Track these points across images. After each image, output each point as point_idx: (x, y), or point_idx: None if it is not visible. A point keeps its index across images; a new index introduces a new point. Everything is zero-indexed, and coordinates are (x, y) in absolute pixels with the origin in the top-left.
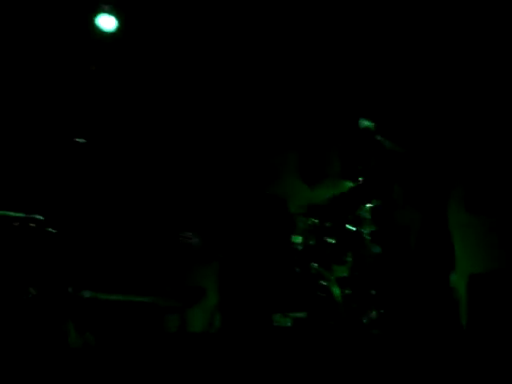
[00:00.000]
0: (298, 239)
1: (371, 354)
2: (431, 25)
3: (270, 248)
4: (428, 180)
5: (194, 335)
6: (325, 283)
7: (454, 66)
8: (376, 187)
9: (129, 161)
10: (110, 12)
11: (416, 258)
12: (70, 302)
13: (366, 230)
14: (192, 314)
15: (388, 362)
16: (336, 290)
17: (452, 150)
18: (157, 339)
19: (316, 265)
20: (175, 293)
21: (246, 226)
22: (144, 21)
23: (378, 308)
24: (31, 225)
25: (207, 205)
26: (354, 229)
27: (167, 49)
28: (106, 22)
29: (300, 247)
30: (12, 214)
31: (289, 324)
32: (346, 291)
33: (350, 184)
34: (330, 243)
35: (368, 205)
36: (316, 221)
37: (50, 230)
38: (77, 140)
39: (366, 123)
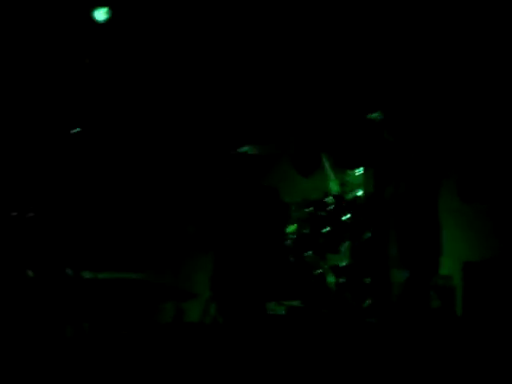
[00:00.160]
0: (292, 228)
1: (365, 343)
2: (424, 20)
3: (263, 237)
4: (420, 169)
5: (190, 325)
6: (319, 272)
7: (444, 56)
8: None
9: (123, 150)
10: (103, 4)
11: (403, 245)
12: (68, 285)
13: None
14: (187, 304)
15: (383, 351)
16: (330, 279)
17: (443, 139)
18: (152, 329)
19: (310, 253)
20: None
21: (240, 215)
22: (138, 12)
23: (372, 296)
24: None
25: (202, 195)
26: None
27: (162, 41)
28: (100, 14)
29: (294, 236)
30: None
31: (283, 312)
32: (340, 280)
33: (345, 175)
34: (324, 232)
35: (359, 192)
36: (310, 209)
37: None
38: (71, 132)
39: (373, 115)
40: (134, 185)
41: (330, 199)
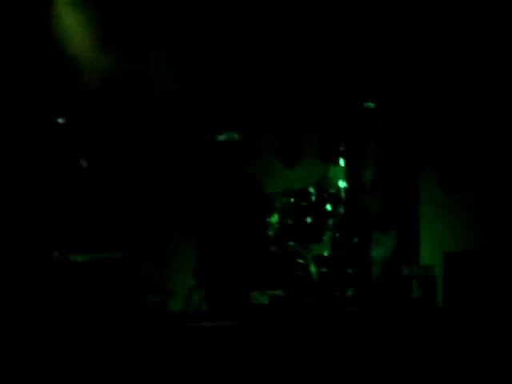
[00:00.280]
0: (275, 218)
1: (347, 332)
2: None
3: (245, 226)
4: (401, 157)
5: (174, 314)
6: (302, 261)
7: (432, 46)
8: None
9: (109, 133)
10: None
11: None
12: (55, 267)
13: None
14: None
15: (364, 340)
16: (312, 269)
17: (426, 127)
18: (137, 318)
19: (293, 243)
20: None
21: (222, 205)
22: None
23: (353, 286)
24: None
25: (186, 184)
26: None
27: (153, 25)
28: None
29: (277, 226)
30: None
31: (266, 301)
32: (323, 269)
33: (329, 164)
34: (307, 222)
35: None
36: (292, 199)
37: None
38: (58, 120)
39: (368, 104)
40: (119, 170)
41: (312, 189)
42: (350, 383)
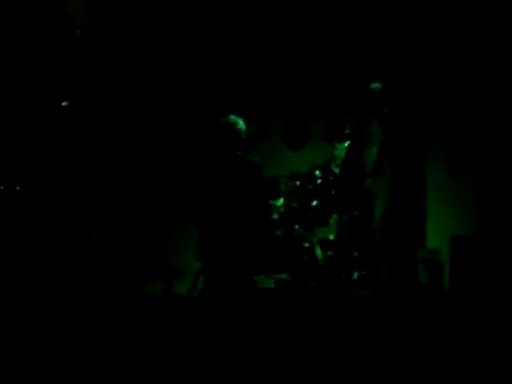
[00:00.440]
0: (280, 201)
1: (353, 315)
2: None
3: (245, 212)
4: (406, 140)
5: (178, 298)
6: (307, 245)
7: (438, 31)
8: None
9: (112, 122)
10: None
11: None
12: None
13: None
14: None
15: (371, 323)
16: (318, 252)
17: (432, 111)
18: (142, 302)
19: (298, 227)
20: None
21: (221, 189)
22: None
23: (360, 269)
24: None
25: (186, 168)
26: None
27: (152, 14)
28: None
29: (282, 209)
30: None
31: (272, 285)
32: (328, 253)
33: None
34: (313, 205)
35: None
36: (298, 183)
37: None
38: (62, 103)
39: (374, 85)
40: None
41: (317, 172)
42: (356, 366)
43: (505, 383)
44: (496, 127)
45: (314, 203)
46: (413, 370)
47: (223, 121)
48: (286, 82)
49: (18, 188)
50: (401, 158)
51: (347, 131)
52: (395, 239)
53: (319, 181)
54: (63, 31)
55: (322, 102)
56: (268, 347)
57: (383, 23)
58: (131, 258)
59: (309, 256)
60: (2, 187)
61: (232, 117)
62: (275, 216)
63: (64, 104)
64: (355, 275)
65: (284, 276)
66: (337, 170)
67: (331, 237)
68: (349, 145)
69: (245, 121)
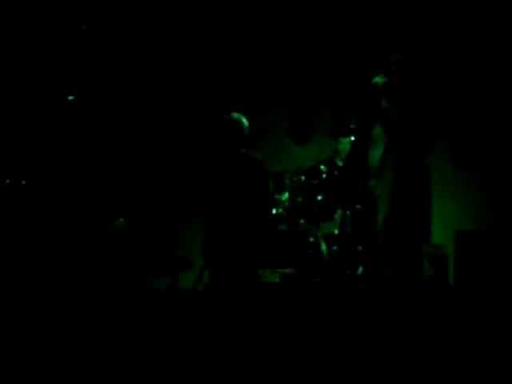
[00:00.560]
0: (285, 196)
1: (358, 310)
2: None
3: (248, 207)
4: (412, 135)
5: (184, 292)
6: (312, 240)
7: (445, 23)
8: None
9: (118, 117)
10: None
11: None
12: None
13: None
14: (182, 272)
15: (375, 318)
16: (323, 247)
17: (437, 105)
18: (148, 296)
19: (303, 221)
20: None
21: (224, 185)
22: None
23: (364, 264)
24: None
25: (191, 164)
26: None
27: (156, 10)
28: None
29: (287, 204)
30: None
31: (277, 280)
32: (334, 247)
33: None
34: (317, 200)
35: None
36: (303, 177)
37: None
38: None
39: (376, 79)
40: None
41: (323, 167)
42: (361, 361)
43: (509, 378)
44: (501, 121)
45: (319, 198)
46: (418, 365)
47: (226, 118)
48: (292, 76)
49: (23, 182)
50: (405, 152)
51: (352, 126)
52: (400, 235)
53: (324, 175)
54: (69, 25)
55: (328, 96)
56: (273, 341)
57: (388, 18)
58: (138, 251)
59: (314, 251)
60: (7, 181)
61: (235, 114)
62: (280, 210)
63: (70, 98)
64: (360, 270)
65: (289, 270)
66: (341, 164)
67: (336, 231)
68: (353, 144)
69: (249, 116)
